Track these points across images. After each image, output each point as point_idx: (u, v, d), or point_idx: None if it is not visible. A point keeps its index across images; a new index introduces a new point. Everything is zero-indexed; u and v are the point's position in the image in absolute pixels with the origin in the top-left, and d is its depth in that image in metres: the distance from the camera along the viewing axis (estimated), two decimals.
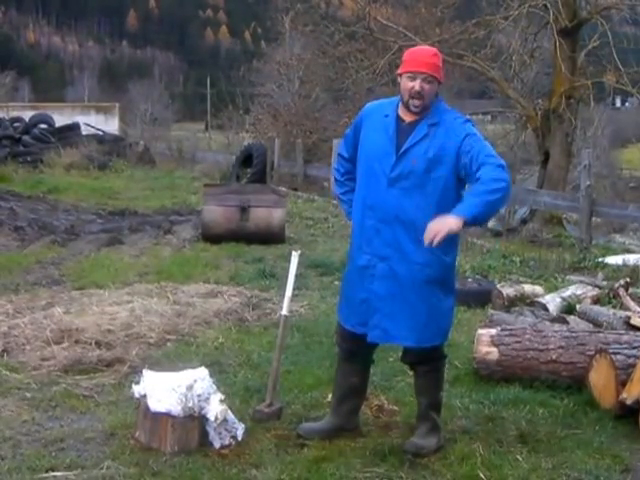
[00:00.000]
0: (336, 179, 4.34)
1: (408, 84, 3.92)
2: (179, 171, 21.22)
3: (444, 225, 3.67)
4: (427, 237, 3.68)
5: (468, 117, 4.08)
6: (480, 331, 5.27)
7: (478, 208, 3.71)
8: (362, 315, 4.02)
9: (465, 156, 3.84)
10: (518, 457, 4.01)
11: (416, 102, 3.91)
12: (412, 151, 3.90)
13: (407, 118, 3.97)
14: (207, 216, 10.32)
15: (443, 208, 3.84)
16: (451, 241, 3.96)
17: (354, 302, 4.06)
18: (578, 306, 6.62)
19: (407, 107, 3.95)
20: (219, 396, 4.03)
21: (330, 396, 4.41)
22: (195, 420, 3.97)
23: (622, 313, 6.15)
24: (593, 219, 11.87)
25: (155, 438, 3.97)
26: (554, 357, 4.97)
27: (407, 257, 3.91)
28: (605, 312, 6.21)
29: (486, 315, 6.36)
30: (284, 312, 4.44)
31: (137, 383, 4.14)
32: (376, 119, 4.05)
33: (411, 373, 4.34)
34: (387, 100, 4.18)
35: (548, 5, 16.67)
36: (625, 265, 9.15)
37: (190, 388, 3.96)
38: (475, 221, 3.77)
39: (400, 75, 4.00)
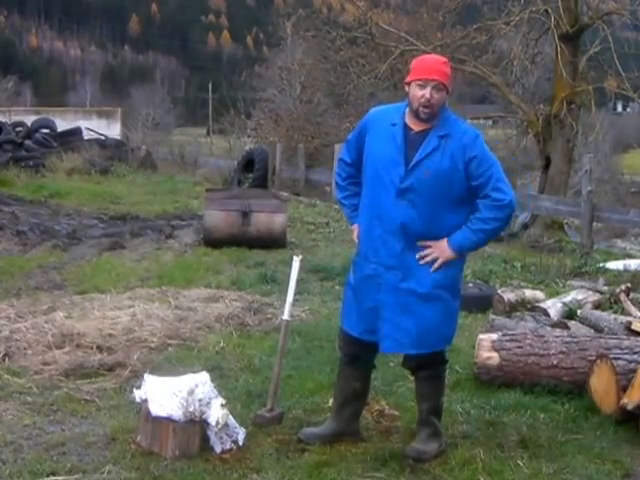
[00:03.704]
0: (338, 184, 4.33)
1: (418, 92, 3.90)
2: (181, 176, 21.18)
3: (442, 254, 3.93)
4: (426, 259, 3.94)
5: (478, 131, 4.07)
6: (481, 336, 5.27)
7: (470, 244, 4.00)
8: (370, 323, 4.02)
9: (476, 180, 3.90)
10: (519, 462, 4.01)
11: (426, 110, 3.89)
12: (424, 163, 3.89)
13: (415, 127, 3.96)
14: (209, 221, 10.33)
15: (452, 221, 3.92)
16: None
17: (362, 310, 4.05)
18: (579, 311, 6.62)
19: (416, 115, 3.93)
20: (220, 401, 4.03)
21: (331, 401, 4.42)
22: (196, 425, 3.97)
23: (623, 318, 6.15)
24: (594, 224, 11.88)
25: (156, 443, 3.97)
26: (555, 362, 4.97)
27: (413, 268, 3.92)
28: (606, 317, 6.21)
29: (487, 320, 6.36)
30: (285, 317, 4.44)
31: (138, 387, 4.15)
32: (383, 126, 4.02)
33: (412, 378, 4.34)
34: (393, 106, 4.16)
35: (549, 10, 16.70)
36: (626, 270, 9.15)
37: (191, 393, 3.96)
38: (463, 253, 4.04)
39: (409, 83, 3.97)
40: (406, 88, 4.02)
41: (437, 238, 3.92)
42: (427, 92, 3.88)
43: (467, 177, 3.89)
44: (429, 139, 3.91)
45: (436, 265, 3.92)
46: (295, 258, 4.47)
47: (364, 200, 4.08)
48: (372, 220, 4.00)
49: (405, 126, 3.97)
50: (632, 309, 6.62)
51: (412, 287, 3.93)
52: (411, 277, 3.93)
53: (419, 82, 3.91)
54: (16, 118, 25.71)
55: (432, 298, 3.94)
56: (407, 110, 4.00)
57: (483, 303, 7.07)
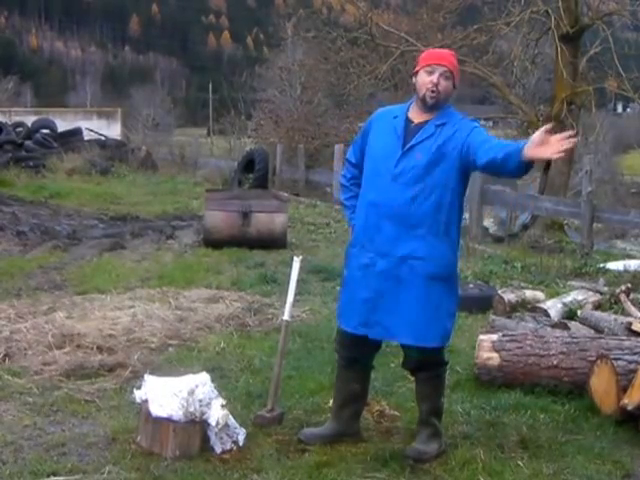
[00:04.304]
0: (342, 184, 4.36)
1: (426, 78, 3.96)
2: (181, 176, 21.22)
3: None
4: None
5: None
6: (481, 337, 5.27)
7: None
8: (364, 315, 4.01)
9: (473, 139, 3.84)
10: (519, 462, 4.01)
11: (432, 95, 3.94)
12: (417, 147, 3.94)
13: (416, 119, 4.01)
14: (209, 221, 10.33)
15: (443, 205, 3.92)
16: (453, 236, 4.02)
17: (356, 302, 4.04)
18: (579, 312, 6.61)
19: (423, 102, 3.97)
20: (220, 401, 4.03)
21: (331, 401, 4.41)
22: (196, 425, 3.97)
23: (623, 319, 6.14)
24: (594, 225, 11.88)
25: (156, 443, 3.97)
26: (555, 363, 4.97)
27: (408, 253, 3.92)
28: (606, 318, 6.21)
29: (487, 321, 6.36)
30: (286, 317, 4.44)
31: (139, 388, 4.15)
32: (385, 122, 4.08)
33: (412, 379, 4.34)
34: (396, 106, 4.23)
35: (550, 11, 16.70)
36: (626, 271, 9.15)
37: (191, 393, 3.96)
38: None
39: (416, 73, 4.03)
40: (413, 80, 4.07)
41: (431, 223, 3.91)
42: (435, 77, 3.94)
43: (465, 143, 3.85)
44: (427, 127, 3.97)
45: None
46: (295, 259, 4.47)
47: (361, 193, 4.11)
48: (368, 208, 4.02)
49: (407, 119, 4.03)
50: (632, 309, 6.62)
51: (404, 276, 3.93)
52: (404, 266, 3.92)
53: (427, 68, 3.97)
54: (16, 118, 25.76)
55: (426, 287, 3.93)
56: (411, 105, 4.06)
57: (483, 304, 7.06)
